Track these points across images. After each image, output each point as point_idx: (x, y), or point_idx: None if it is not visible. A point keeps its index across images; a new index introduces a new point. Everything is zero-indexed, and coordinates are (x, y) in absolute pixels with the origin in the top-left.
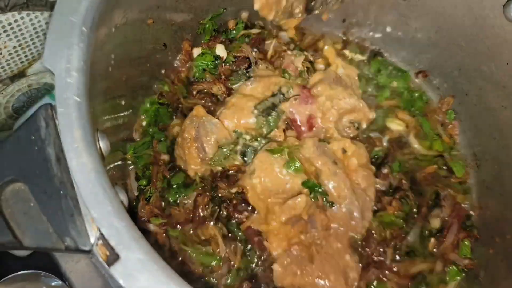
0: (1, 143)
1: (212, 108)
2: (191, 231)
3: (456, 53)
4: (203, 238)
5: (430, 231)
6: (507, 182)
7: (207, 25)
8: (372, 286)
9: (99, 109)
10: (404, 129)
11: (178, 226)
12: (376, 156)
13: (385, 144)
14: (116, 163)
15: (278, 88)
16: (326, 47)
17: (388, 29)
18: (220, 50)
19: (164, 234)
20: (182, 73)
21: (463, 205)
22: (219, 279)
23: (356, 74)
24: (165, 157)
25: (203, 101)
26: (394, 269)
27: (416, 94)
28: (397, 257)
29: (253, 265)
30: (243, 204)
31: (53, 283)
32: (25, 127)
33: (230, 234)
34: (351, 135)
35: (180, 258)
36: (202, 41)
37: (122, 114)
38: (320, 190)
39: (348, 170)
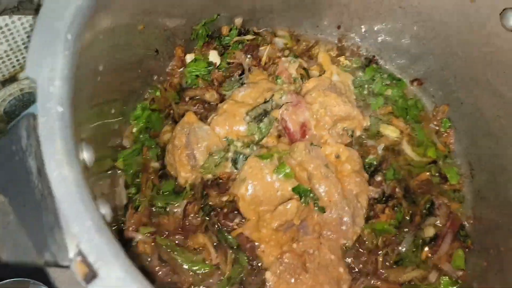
0: None
1: (205, 115)
2: (181, 240)
3: (452, 61)
4: (194, 246)
5: (424, 240)
6: (501, 192)
7: (200, 31)
8: None
9: (85, 117)
10: (398, 135)
11: (168, 234)
12: (370, 164)
13: (379, 152)
14: (105, 172)
15: (271, 94)
16: (320, 54)
17: (384, 36)
18: (213, 56)
19: (153, 243)
20: (175, 79)
21: (457, 214)
22: None
23: (350, 81)
24: (156, 164)
25: (195, 107)
26: (385, 276)
27: (411, 102)
28: (388, 265)
29: (245, 273)
30: (234, 212)
31: None
32: (6, 137)
33: (221, 242)
34: (345, 143)
35: (170, 267)
36: (195, 47)
37: (111, 121)
38: (311, 195)
39: (340, 176)
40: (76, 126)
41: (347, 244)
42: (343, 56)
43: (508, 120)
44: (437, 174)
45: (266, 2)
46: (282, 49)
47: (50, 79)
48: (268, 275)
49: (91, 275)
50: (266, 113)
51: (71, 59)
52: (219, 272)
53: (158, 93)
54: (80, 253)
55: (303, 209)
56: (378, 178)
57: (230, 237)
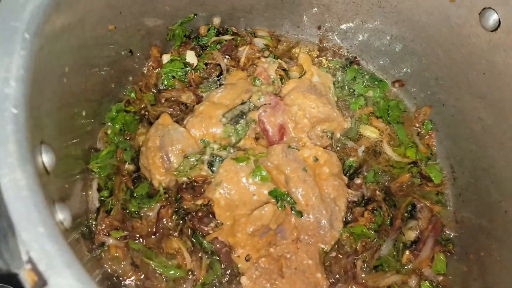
0: None
1: (181, 117)
2: (155, 244)
3: (433, 62)
4: (168, 251)
5: (404, 244)
6: (483, 195)
7: (176, 31)
8: None
9: (49, 119)
10: (378, 136)
11: (141, 239)
12: (350, 166)
13: (360, 154)
14: (75, 175)
15: (249, 96)
16: (301, 55)
17: (364, 37)
18: (190, 57)
19: (126, 248)
20: (151, 80)
21: (439, 217)
22: None
23: (331, 82)
24: (130, 167)
25: (171, 109)
26: (363, 282)
27: (393, 103)
28: (367, 270)
29: (220, 278)
30: (210, 216)
31: None
32: None
33: (196, 247)
34: (325, 145)
35: (142, 273)
36: (173, 48)
37: (83, 123)
38: (288, 199)
39: (318, 179)
40: (35, 129)
41: (325, 249)
42: (324, 57)
43: (489, 122)
44: (418, 174)
45: (245, 2)
46: (262, 49)
47: (4, 79)
48: (243, 280)
49: (41, 284)
50: (243, 114)
51: (29, 59)
52: (194, 278)
53: (133, 95)
54: (30, 260)
55: (279, 213)
56: (358, 180)
57: (205, 241)
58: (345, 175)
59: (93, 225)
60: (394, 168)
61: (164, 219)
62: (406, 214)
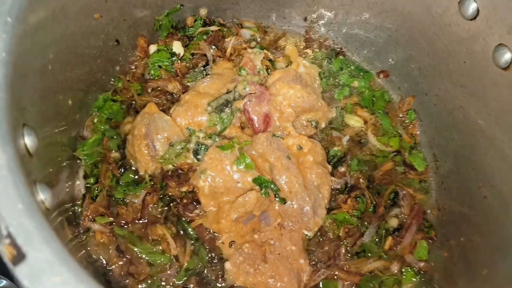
0: None
1: (168, 106)
2: (140, 231)
3: (416, 52)
4: (153, 237)
5: (387, 230)
6: (464, 183)
7: (163, 22)
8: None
9: (31, 104)
10: (362, 125)
11: (126, 225)
12: (334, 155)
13: (345, 143)
14: (63, 161)
15: (234, 85)
16: (288, 46)
17: (350, 28)
18: (177, 47)
19: (111, 234)
20: (138, 70)
21: (422, 205)
22: (167, 279)
23: (317, 72)
24: (116, 154)
25: (157, 98)
26: (346, 267)
27: (378, 93)
28: (350, 256)
29: (204, 264)
30: (194, 203)
31: (1, 284)
32: None
33: (180, 233)
34: (309, 134)
35: (127, 258)
36: (160, 38)
37: (69, 111)
38: (271, 186)
39: (302, 167)
40: (16, 111)
41: (308, 235)
42: (310, 48)
43: (470, 110)
44: (401, 163)
45: None
46: (248, 40)
47: None
48: (227, 265)
49: (19, 258)
50: (228, 103)
51: (10, 43)
52: (178, 263)
53: (120, 84)
54: (9, 235)
55: (263, 200)
56: (342, 169)
57: (189, 228)
58: (330, 163)
59: (79, 211)
60: (377, 157)
61: (150, 206)
62: (389, 202)
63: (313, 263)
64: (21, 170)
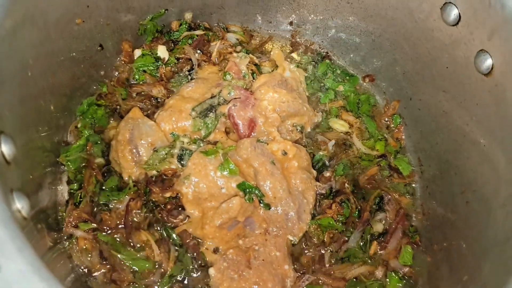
0: None
1: (152, 111)
2: (124, 237)
3: (400, 57)
4: (137, 244)
5: (372, 235)
6: (447, 187)
7: (148, 26)
8: None
9: (9, 110)
10: (348, 129)
11: (110, 231)
12: (319, 160)
13: (330, 148)
14: (45, 167)
15: (218, 90)
16: (274, 50)
17: (335, 32)
18: (162, 52)
19: (94, 240)
20: (122, 75)
21: (407, 210)
22: (151, 286)
23: (303, 77)
24: (100, 160)
25: (142, 103)
26: (331, 273)
27: (363, 97)
28: (335, 261)
29: (188, 270)
30: (179, 209)
31: None
32: None
33: (164, 239)
34: (295, 139)
35: (110, 265)
36: (144, 42)
37: (51, 116)
38: (256, 192)
39: (287, 172)
40: None
41: (293, 241)
42: (296, 52)
43: (452, 115)
44: (387, 167)
45: None
46: (234, 44)
47: None
48: (211, 271)
49: None
50: (212, 108)
51: None
52: (161, 270)
53: (105, 89)
54: None
55: (247, 206)
56: (327, 174)
57: (173, 234)
58: (315, 168)
59: (62, 217)
60: (363, 160)
61: (133, 212)
62: (374, 206)
63: (297, 268)
64: None
